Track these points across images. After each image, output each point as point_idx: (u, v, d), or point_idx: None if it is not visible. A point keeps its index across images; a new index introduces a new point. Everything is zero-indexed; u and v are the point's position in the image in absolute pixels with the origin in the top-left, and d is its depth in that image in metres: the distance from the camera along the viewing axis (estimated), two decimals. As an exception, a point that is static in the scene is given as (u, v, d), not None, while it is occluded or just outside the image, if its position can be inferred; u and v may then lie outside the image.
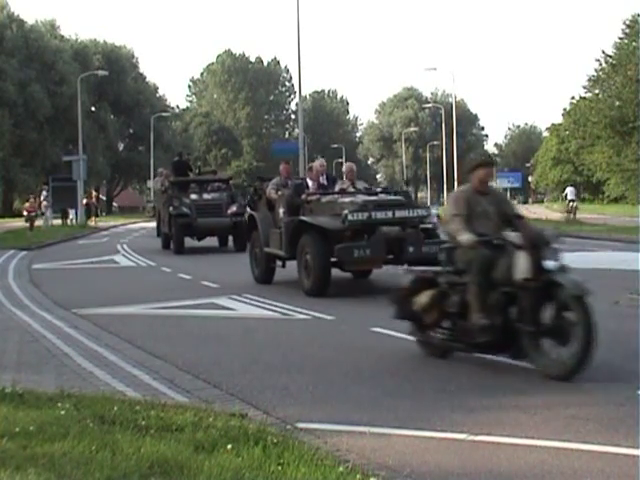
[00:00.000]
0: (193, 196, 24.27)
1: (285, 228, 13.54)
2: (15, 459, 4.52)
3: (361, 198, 13.25)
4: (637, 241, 20.40)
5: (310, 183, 14.55)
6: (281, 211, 14.08)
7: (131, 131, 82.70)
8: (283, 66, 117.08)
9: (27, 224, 35.82)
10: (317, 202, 13.57)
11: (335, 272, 13.07)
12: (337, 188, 14.40)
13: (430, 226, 13.37)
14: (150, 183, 65.88)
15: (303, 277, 13.08)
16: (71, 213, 45.85)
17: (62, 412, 5.57)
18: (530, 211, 49.43)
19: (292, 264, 13.81)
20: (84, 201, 45.27)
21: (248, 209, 15.86)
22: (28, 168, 62.59)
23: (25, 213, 37.15)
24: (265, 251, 14.44)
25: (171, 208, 23.80)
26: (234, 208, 23.55)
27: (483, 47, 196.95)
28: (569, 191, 40.59)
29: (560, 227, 32.93)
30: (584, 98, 63.71)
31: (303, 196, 13.77)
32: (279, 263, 14.67)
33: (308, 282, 12.87)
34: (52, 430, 5.09)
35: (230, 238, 24.89)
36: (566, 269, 7.00)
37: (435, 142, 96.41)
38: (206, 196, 24.62)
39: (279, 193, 14.39)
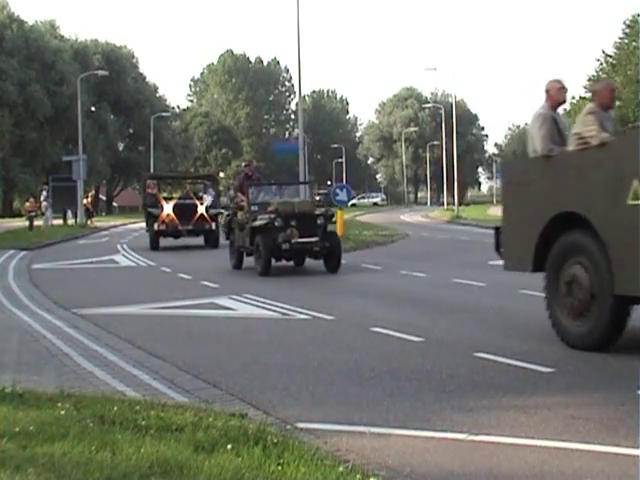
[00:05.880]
0: None
1: None
2: (15, 459, 4.51)
3: None
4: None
5: None
6: None
7: (131, 131, 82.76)
8: (283, 66, 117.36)
9: (27, 224, 35.85)
10: None
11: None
12: None
13: None
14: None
15: None
16: (69, 212, 45.92)
17: (62, 412, 5.56)
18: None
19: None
20: (84, 201, 45.26)
21: None
22: (28, 168, 62.57)
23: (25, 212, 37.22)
24: None
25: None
26: None
27: (483, 47, 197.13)
28: None
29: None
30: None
31: None
32: None
33: None
34: (52, 430, 5.09)
35: None
36: None
37: (435, 142, 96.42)
38: None
39: None
